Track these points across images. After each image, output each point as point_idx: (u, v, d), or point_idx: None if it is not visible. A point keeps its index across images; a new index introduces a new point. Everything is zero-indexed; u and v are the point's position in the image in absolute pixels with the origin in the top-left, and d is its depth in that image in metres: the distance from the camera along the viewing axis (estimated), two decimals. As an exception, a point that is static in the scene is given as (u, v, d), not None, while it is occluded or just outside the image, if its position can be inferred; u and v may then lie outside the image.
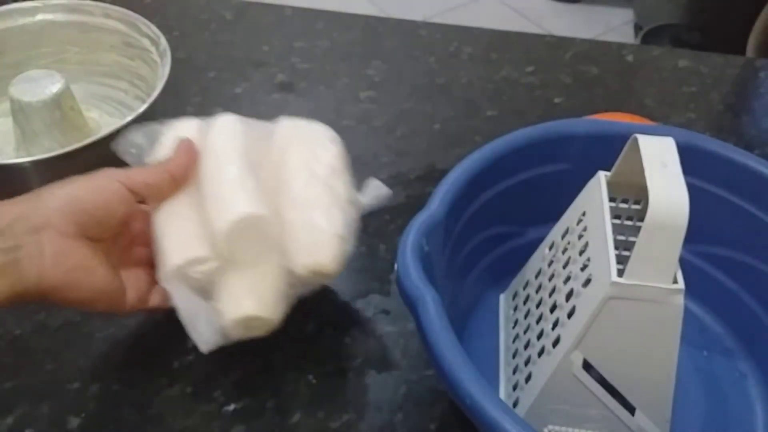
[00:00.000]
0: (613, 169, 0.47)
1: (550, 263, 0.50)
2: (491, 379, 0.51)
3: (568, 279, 0.47)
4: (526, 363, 0.48)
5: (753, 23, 1.32)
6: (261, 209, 0.47)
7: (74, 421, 0.49)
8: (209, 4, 0.88)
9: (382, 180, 0.66)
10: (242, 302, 0.47)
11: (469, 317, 0.53)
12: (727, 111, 0.77)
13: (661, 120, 0.73)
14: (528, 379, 0.48)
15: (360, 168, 0.68)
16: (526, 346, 0.49)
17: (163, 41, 0.65)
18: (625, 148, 0.46)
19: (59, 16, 0.69)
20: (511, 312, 0.54)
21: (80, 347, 0.53)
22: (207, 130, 0.52)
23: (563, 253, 0.48)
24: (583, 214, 0.47)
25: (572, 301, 0.45)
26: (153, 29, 0.67)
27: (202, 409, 0.50)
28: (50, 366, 0.52)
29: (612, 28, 2.20)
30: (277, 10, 0.88)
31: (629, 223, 0.49)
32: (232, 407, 0.50)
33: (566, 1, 2.30)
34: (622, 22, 2.22)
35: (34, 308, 0.55)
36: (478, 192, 0.50)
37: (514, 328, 0.52)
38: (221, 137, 0.50)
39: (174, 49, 0.66)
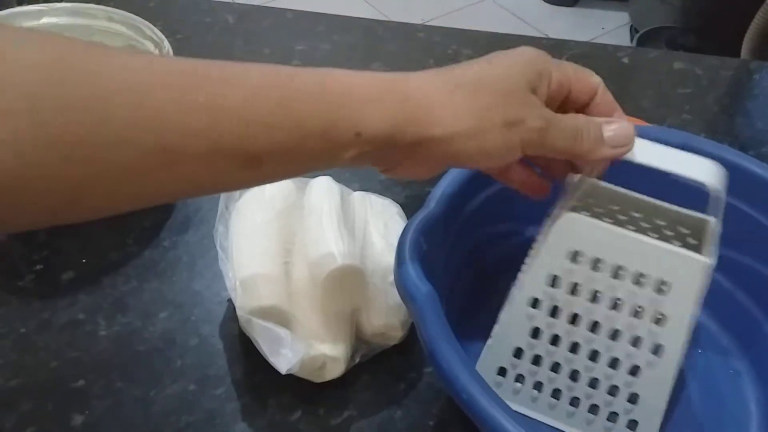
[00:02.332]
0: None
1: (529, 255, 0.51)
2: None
3: None
4: None
5: (747, 26, 1.33)
6: (357, 262, 0.51)
7: (78, 419, 0.50)
8: (212, 7, 0.89)
9: (381, 181, 0.67)
10: (319, 341, 0.50)
11: (467, 315, 0.54)
12: (722, 112, 0.78)
13: (657, 121, 0.74)
14: None
15: (360, 169, 0.69)
16: None
17: (167, 44, 0.66)
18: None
19: (63, 20, 0.70)
20: None
21: (84, 345, 0.54)
22: (303, 188, 0.57)
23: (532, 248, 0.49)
24: (549, 215, 0.48)
25: None
26: (156, 32, 0.67)
27: (204, 406, 0.50)
28: (54, 363, 0.53)
29: (608, 31, 2.21)
30: (278, 13, 0.88)
31: None
32: (234, 404, 0.51)
33: (563, 4, 2.31)
34: (618, 25, 2.23)
35: (38, 306, 0.56)
36: (476, 191, 0.51)
37: None
38: (322, 195, 0.55)
39: (177, 52, 0.66)
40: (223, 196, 0.56)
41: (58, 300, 0.56)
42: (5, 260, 0.60)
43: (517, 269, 0.54)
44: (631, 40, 2.10)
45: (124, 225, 0.63)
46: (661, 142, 0.44)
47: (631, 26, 2.16)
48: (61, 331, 0.54)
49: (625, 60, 0.83)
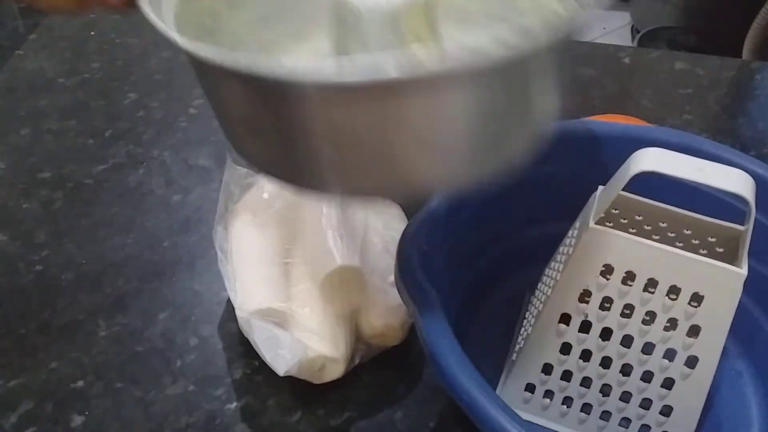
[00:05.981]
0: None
1: (552, 268, 0.51)
2: (489, 377, 0.51)
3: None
4: None
5: (749, 26, 1.33)
6: (357, 263, 0.51)
7: (78, 419, 0.50)
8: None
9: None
10: (318, 342, 0.49)
11: (468, 315, 0.54)
12: (724, 113, 0.78)
13: (658, 121, 0.74)
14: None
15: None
16: None
17: None
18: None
19: None
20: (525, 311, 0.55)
21: (84, 346, 0.54)
22: None
23: (556, 261, 0.49)
24: (575, 227, 0.48)
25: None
26: None
27: (204, 407, 0.50)
28: (54, 364, 0.53)
29: (609, 31, 2.21)
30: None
31: None
32: (234, 405, 0.51)
33: (564, 4, 2.30)
34: (619, 25, 2.23)
35: (38, 307, 0.56)
36: (476, 192, 0.51)
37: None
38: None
39: (177, 52, 0.66)
40: (222, 197, 0.56)
41: (58, 300, 0.57)
42: (5, 260, 0.60)
43: (518, 270, 0.55)
44: (633, 40, 2.09)
45: (124, 225, 0.63)
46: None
47: (633, 26, 2.16)
48: (60, 332, 0.55)
49: (627, 60, 0.83)
